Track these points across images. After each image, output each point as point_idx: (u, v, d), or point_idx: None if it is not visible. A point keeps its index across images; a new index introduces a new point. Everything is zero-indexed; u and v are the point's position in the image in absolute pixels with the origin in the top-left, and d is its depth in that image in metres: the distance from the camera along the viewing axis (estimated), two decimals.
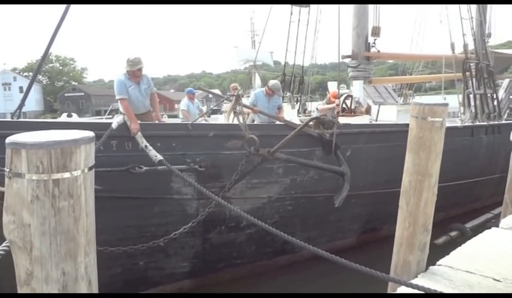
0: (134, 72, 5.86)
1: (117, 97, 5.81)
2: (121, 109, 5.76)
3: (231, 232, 6.26)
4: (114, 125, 5.13)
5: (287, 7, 12.42)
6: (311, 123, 6.34)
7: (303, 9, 12.16)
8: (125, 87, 5.83)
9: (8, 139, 1.79)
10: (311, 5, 12.21)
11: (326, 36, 12.37)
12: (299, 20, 12.18)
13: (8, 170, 1.79)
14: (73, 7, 5.23)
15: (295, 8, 12.24)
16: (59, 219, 1.79)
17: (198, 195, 5.67)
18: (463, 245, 4.22)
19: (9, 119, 5.47)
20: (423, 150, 3.68)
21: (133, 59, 5.82)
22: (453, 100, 10.61)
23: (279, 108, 7.61)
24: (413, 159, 3.76)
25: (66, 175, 1.78)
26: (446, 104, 3.86)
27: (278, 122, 6.94)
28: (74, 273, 1.88)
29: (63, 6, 5.19)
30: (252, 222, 3.06)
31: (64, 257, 1.84)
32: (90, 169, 1.88)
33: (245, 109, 6.86)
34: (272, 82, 7.70)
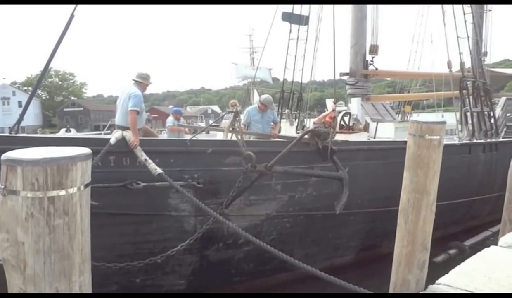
0: (147, 86, 6.48)
1: (134, 108, 5.84)
2: (118, 122, 5.97)
3: (229, 249, 6.21)
4: (112, 141, 5.12)
5: (286, 24, 12.50)
6: (306, 136, 6.32)
7: (302, 27, 12.26)
8: (142, 102, 6.12)
9: (4, 156, 1.77)
10: (310, 23, 12.31)
11: (324, 54, 12.44)
12: (298, 38, 12.27)
13: (3, 187, 1.77)
14: (74, 22, 5.26)
15: (294, 26, 12.33)
16: (53, 237, 1.77)
17: (195, 212, 5.64)
18: (462, 264, 4.18)
19: (7, 134, 5.46)
20: (421, 168, 3.67)
21: (148, 74, 6.45)
22: (451, 118, 10.66)
23: (275, 123, 7.62)
24: (411, 176, 3.75)
25: (62, 192, 1.76)
26: (444, 122, 3.86)
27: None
28: (68, 292, 1.85)
29: (65, 20, 5.23)
30: (249, 240, 3.04)
31: (58, 276, 1.81)
32: (86, 186, 1.87)
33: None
34: (263, 96, 7.76)
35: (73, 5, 5.26)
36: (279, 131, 8.39)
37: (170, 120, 10.49)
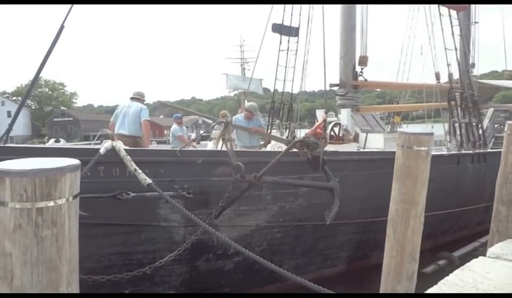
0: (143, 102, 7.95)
1: (148, 118, 7.75)
2: (129, 132, 7.45)
3: (219, 259, 6.19)
4: (102, 151, 5.08)
5: (276, 36, 12.57)
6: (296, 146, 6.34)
7: (292, 38, 12.34)
8: None
9: None
10: (300, 35, 12.41)
11: (315, 65, 12.53)
12: (288, 49, 12.35)
13: None
14: (64, 32, 5.25)
15: (284, 37, 12.41)
16: (41, 248, 1.77)
17: (185, 222, 5.62)
18: (450, 275, 4.21)
19: None
20: (409, 179, 3.71)
21: (143, 93, 8.02)
22: (440, 129, 10.77)
23: (260, 127, 7.79)
24: (400, 187, 3.79)
25: (50, 203, 1.76)
26: (432, 134, 3.91)
27: (264, 148, 6.99)
28: None
29: (55, 30, 5.22)
30: (238, 250, 3.04)
31: (45, 287, 1.80)
32: (75, 197, 1.87)
33: (233, 135, 6.99)
34: (248, 104, 7.94)
35: (65, 12, 5.24)
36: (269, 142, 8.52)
37: (177, 129, 10.50)
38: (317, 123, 10.98)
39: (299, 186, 6.28)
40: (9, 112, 66.73)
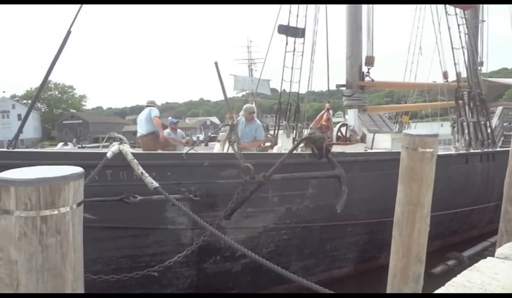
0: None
1: (156, 115, 8.84)
2: (141, 131, 8.79)
3: (227, 261, 6.20)
4: (109, 155, 5.11)
5: (282, 37, 12.55)
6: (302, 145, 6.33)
7: (298, 39, 12.30)
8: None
9: None
10: (306, 36, 12.38)
11: (323, 65, 12.47)
12: (294, 50, 12.31)
13: None
14: (72, 36, 5.30)
15: (290, 38, 12.38)
16: (46, 256, 1.79)
17: (193, 225, 5.64)
18: (458, 275, 4.17)
19: (4, 149, 5.48)
20: (415, 180, 3.70)
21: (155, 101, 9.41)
22: (449, 128, 10.70)
23: (257, 138, 7.90)
24: (405, 189, 3.78)
25: (54, 211, 1.78)
26: (436, 135, 3.89)
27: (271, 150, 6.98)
28: None
29: (65, 32, 5.26)
30: (244, 253, 3.05)
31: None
32: (78, 204, 1.89)
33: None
34: (245, 106, 8.03)
35: (73, 15, 5.28)
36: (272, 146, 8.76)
37: (166, 132, 10.64)
38: (319, 114, 11.02)
39: (306, 178, 6.22)
40: (19, 115, 67.37)
